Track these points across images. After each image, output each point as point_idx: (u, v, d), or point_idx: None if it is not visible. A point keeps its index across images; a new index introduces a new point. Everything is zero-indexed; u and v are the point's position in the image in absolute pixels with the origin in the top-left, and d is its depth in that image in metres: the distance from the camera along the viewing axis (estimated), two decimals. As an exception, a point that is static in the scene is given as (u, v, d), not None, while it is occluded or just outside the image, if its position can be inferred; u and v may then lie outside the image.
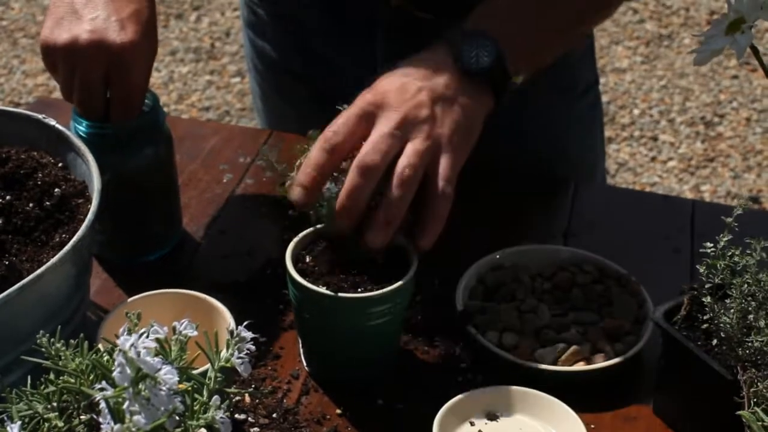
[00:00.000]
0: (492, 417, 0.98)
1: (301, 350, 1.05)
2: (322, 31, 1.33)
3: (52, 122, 1.04)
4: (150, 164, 1.12)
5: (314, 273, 0.99)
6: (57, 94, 3.25)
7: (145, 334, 0.60)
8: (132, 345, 0.58)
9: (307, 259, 1.01)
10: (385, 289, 0.96)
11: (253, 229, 1.22)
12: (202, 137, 1.37)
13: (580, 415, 0.97)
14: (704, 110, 3.28)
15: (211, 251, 1.19)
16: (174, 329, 0.67)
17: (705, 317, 0.90)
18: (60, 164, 1.03)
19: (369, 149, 0.97)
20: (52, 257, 0.90)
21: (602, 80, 3.40)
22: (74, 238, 0.91)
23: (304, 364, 1.05)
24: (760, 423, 0.78)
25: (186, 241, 1.20)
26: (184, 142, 1.35)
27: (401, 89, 1.01)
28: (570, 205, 1.27)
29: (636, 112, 3.28)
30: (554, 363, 1.02)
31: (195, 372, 0.85)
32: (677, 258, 1.20)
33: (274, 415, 0.99)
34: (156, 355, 0.62)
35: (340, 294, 0.96)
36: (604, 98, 3.31)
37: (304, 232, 1.03)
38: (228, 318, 0.95)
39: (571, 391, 1.00)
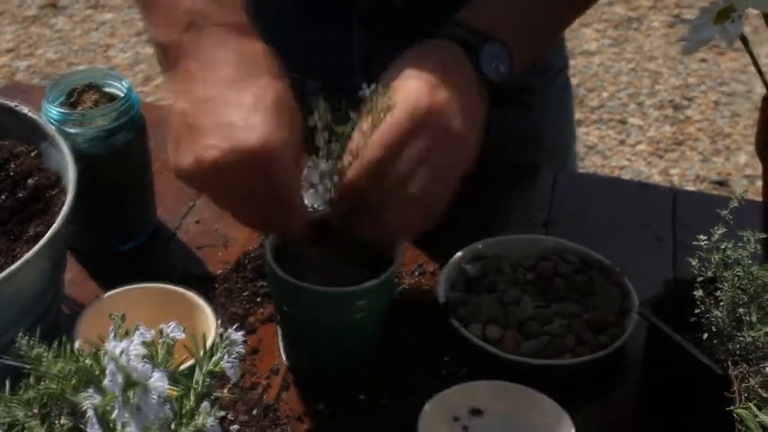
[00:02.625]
0: (477, 412, 0.97)
1: (281, 344, 1.03)
2: (296, 26, 1.29)
3: (25, 110, 1.01)
4: (123, 152, 1.09)
5: (295, 266, 0.96)
6: (21, 76, 3.20)
7: (133, 339, 0.58)
8: (122, 351, 0.56)
9: (290, 251, 0.98)
10: (368, 284, 0.94)
11: (229, 220, 1.18)
12: (175, 124, 1.34)
13: (567, 409, 0.96)
14: (673, 93, 3.28)
15: (187, 242, 1.17)
16: (161, 332, 0.65)
17: (696, 311, 0.89)
18: (33, 153, 1.00)
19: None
20: (27, 251, 0.87)
21: (571, 62, 3.37)
22: (50, 232, 0.88)
23: (284, 358, 1.03)
24: (755, 418, 0.77)
25: (160, 231, 1.18)
26: (157, 129, 1.31)
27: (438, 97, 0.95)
28: (550, 193, 1.26)
29: (605, 95, 3.27)
30: (539, 356, 1.01)
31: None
32: (659, 247, 1.18)
33: (254, 412, 0.97)
34: (143, 358, 0.60)
35: (321, 288, 0.93)
36: (573, 81, 3.30)
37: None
38: (208, 313, 0.92)
39: (557, 384, 0.99)
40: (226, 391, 0.98)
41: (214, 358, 0.66)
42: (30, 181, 0.96)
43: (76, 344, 0.85)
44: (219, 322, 0.93)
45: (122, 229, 1.14)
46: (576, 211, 1.23)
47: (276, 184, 0.88)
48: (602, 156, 3.00)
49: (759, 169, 2.92)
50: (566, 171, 1.29)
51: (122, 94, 1.08)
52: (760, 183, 2.88)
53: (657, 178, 2.91)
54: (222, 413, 0.96)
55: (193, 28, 0.92)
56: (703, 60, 3.42)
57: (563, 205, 1.24)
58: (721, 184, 2.89)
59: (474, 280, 1.10)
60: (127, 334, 0.65)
